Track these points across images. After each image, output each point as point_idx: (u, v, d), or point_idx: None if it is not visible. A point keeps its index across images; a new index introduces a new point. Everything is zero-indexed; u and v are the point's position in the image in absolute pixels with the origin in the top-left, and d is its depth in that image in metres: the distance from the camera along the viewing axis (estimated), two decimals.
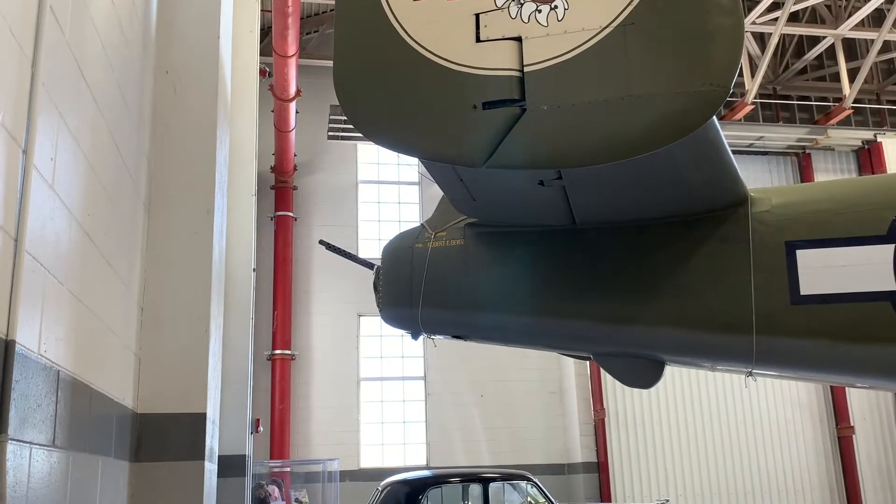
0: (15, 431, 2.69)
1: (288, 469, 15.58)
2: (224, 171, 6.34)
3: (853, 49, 19.94)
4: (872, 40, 17.79)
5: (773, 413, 17.70)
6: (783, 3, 16.31)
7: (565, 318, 4.86)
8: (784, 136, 18.91)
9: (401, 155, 4.06)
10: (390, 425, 17.10)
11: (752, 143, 18.87)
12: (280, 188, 17.05)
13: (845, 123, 19.13)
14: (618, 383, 5.50)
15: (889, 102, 20.44)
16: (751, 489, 17.23)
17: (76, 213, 3.50)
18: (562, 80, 3.35)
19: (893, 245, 4.13)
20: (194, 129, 5.46)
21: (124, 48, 4.49)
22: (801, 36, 19.38)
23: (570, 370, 17.25)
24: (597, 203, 4.44)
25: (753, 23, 16.92)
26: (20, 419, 2.75)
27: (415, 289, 5.16)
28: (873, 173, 18.65)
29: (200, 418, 5.07)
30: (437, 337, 5.51)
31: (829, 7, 18.41)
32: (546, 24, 3.44)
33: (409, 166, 17.78)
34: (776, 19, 16.59)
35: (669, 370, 4.95)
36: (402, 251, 5.32)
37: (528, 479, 10.15)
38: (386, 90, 3.67)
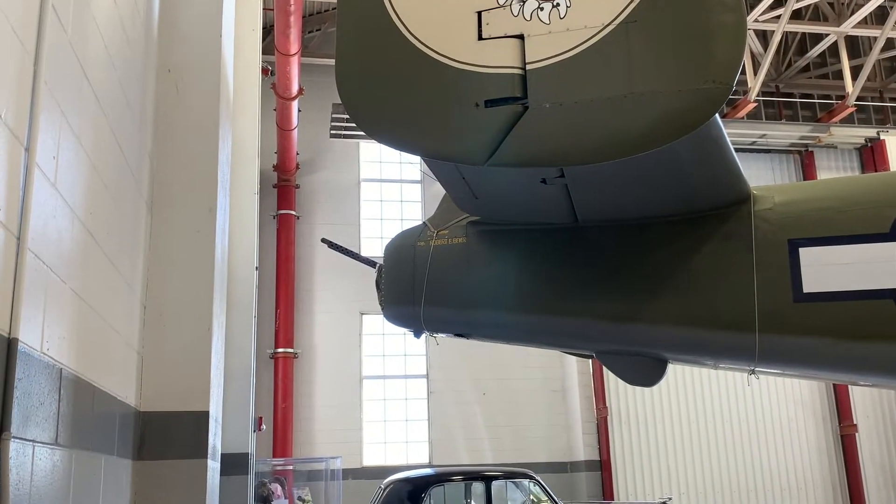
0: (18, 429, 2.69)
1: (291, 467, 15.59)
2: (226, 169, 6.34)
3: (856, 46, 19.91)
4: (875, 38, 17.75)
5: (776, 411, 17.69)
6: (786, 1, 16.28)
7: (567, 316, 4.86)
8: (787, 133, 18.87)
9: (403, 153, 4.06)
10: (393, 423, 17.11)
11: (754, 141, 18.84)
12: (282, 186, 17.06)
13: (848, 121, 19.10)
14: (620, 381, 5.50)
15: (892, 100, 20.41)
16: (753, 487, 17.22)
17: (78, 211, 3.50)
18: (564, 77, 3.35)
19: None
20: (196, 127, 5.46)
21: (126, 47, 4.49)
22: (803, 33, 19.34)
23: (573, 368, 17.24)
24: (599, 201, 4.43)
25: (756, 20, 16.89)
26: (23, 417, 2.75)
27: (417, 287, 5.16)
28: (876, 171, 18.61)
29: (203, 416, 5.07)
30: (440, 335, 5.51)
31: (831, 4, 18.38)
32: (548, 22, 3.44)
33: (411, 164, 17.78)
34: (779, 17, 16.56)
35: (672, 368, 4.95)
36: (404, 249, 5.32)
37: (531, 478, 10.15)
38: (388, 88, 3.66)
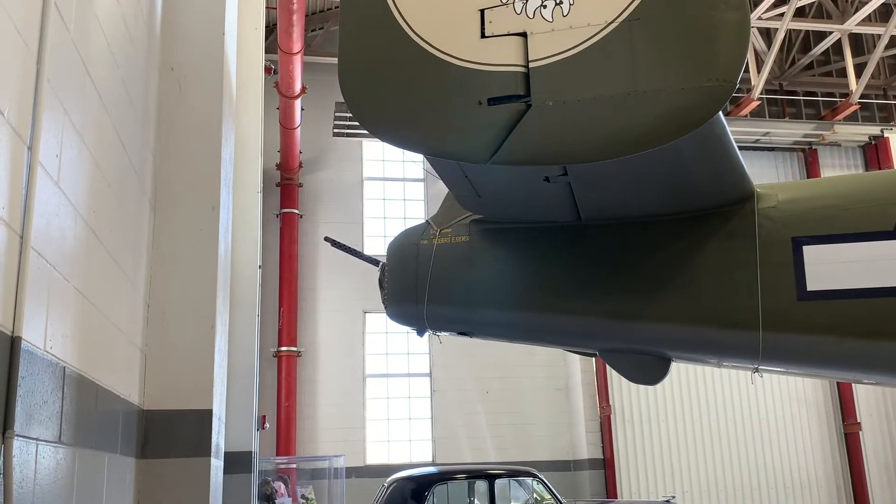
0: (21, 428, 2.70)
1: (294, 465, 15.60)
2: (229, 168, 6.34)
3: (860, 44, 19.87)
4: (879, 35, 17.71)
5: (780, 409, 17.67)
6: None
7: (571, 314, 4.85)
8: (790, 131, 18.83)
9: (406, 151, 4.05)
10: (396, 422, 17.11)
11: (758, 139, 18.80)
12: (285, 185, 17.07)
13: (852, 119, 19.06)
14: (624, 380, 5.49)
15: None
16: (757, 486, 17.21)
17: (81, 210, 3.50)
18: (567, 75, 3.34)
19: None
20: (199, 126, 5.46)
21: (129, 45, 4.49)
22: (807, 31, 19.30)
23: (576, 367, 17.24)
24: (602, 199, 4.42)
25: (759, 18, 16.86)
26: (26, 416, 2.76)
27: (420, 285, 5.15)
28: (880, 169, 18.57)
29: (206, 415, 5.07)
30: (443, 333, 5.51)
31: (835, 2, 18.33)
32: (551, 20, 3.43)
33: (414, 163, 17.78)
34: (782, 14, 16.52)
35: (675, 366, 4.94)
36: (407, 248, 5.31)
37: (534, 476, 10.15)
38: (391, 87, 3.66)
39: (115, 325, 4.17)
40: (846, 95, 18.40)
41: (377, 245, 16.59)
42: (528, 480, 10.14)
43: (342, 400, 16.63)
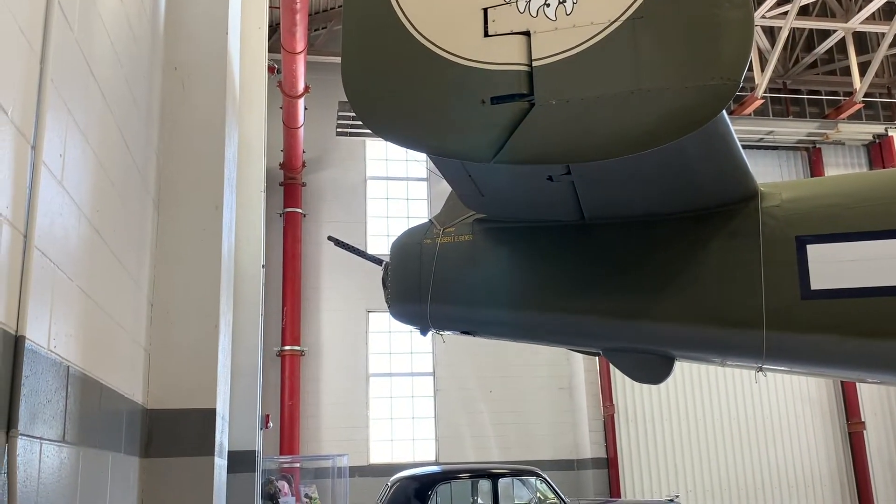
0: (25, 427, 2.70)
1: (298, 465, 15.61)
2: (233, 167, 6.34)
3: (864, 43, 19.83)
4: (883, 34, 17.67)
5: (784, 408, 17.65)
6: None
7: (574, 313, 4.85)
8: (794, 130, 18.81)
9: (409, 151, 4.05)
10: (399, 421, 17.11)
11: (761, 138, 18.77)
12: (289, 184, 17.07)
13: (856, 118, 19.01)
14: (627, 379, 5.49)
15: None
16: (761, 485, 17.19)
17: (85, 209, 3.50)
18: (570, 74, 3.34)
19: None
20: (203, 125, 5.47)
21: (132, 44, 4.49)
22: (811, 30, 19.27)
23: (580, 366, 17.23)
24: (606, 198, 4.42)
25: (763, 16, 16.83)
26: (30, 415, 2.76)
27: (423, 285, 5.15)
28: (884, 167, 18.53)
29: (210, 414, 5.08)
30: (446, 333, 5.51)
31: (839, 0, 18.30)
32: (554, 19, 3.43)
33: (417, 162, 17.78)
34: (786, 13, 16.49)
35: (679, 365, 4.94)
36: (410, 247, 5.31)
37: (538, 475, 10.15)
38: (394, 86, 3.66)
39: (118, 324, 4.18)
40: (850, 94, 18.36)
41: (380, 244, 16.59)
42: (532, 480, 10.14)
43: (345, 399, 16.63)
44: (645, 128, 3.25)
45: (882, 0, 16.76)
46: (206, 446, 5.04)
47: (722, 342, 4.54)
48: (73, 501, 3.31)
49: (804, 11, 17.77)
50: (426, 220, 5.51)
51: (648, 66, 3.23)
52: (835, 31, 18.34)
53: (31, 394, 2.76)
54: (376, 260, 6.05)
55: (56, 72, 3.05)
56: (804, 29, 19.13)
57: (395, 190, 18.44)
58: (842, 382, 17.57)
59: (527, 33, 3.46)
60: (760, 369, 4.61)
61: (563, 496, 10.07)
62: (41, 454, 2.89)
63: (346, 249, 6.39)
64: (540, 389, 17.38)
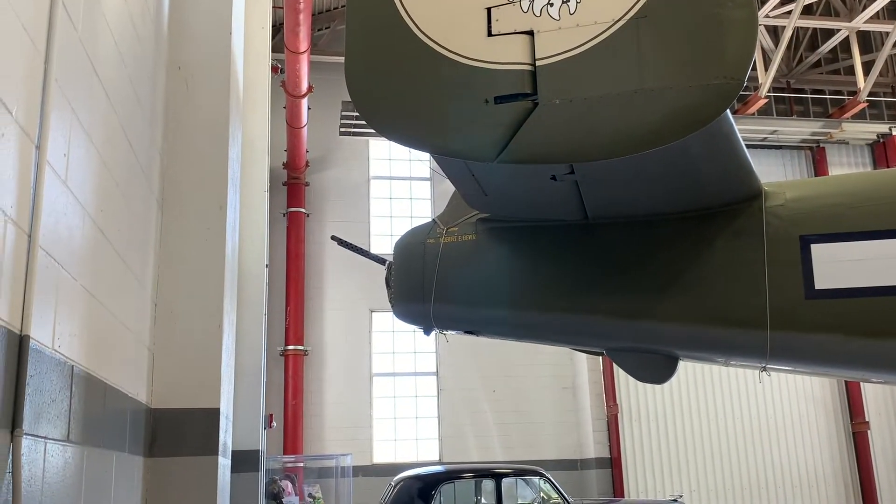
0: (30, 426, 2.71)
1: (301, 464, 15.62)
2: (236, 167, 6.35)
3: (868, 42, 19.78)
4: (888, 33, 17.63)
5: (787, 408, 17.62)
6: None
7: (577, 313, 4.85)
8: (798, 129, 18.78)
9: (412, 150, 4.05)
10: (403, 421, 17.12)
11: (765, 137, 18.74)
12: (292, 184, 17.08)
13: (860, 117, 18.98)
14: (631, 379, 5.49)
15: None
16: (764, 484, 17.16)
17: (89, 208, 3.51)
18: (574, 73, 3.33)
19: None
20: (206, 125, 5.47)
21: (136, 44, 4.50)
22: (815, 29, 19.24)
23: (583, 366, 17.22)
24: (609, 197, 4.42)
25: (767, 16, 16.81)
26: (35, 414, 2.77)
27: (427, 284, 5.15)
28: (888, 167, 18.49)
29: (214, 413, 5.08)
30: (450, 332, 5.51)
31: (843, 0, 18.27)
32: (558, 18, 3.42)
33: (420, 162, 17.77)
34: (790, 12, 16.46)
35: (683, 365, 4.93)
36: (413, 247, 5.31)
37: (541, 475, 10.14)
38: (397, 85, 3.66)
39: (122, 323, 4.18)
40: (854, 93, 18.33)
41: (384, 244, 16.59)
42: (536, 479, 10.13)
43: (349, 399, 16.64)
44: (649, 127, 3.25)
45: None
46: (209, 446, 5.04)
47: (726, 342, 4.53)
48: (77, 501, 3.31)
49: (808, 10, 17.74)
50: (429, 219, 5.51)
51: (652, 65, 3.22)
52: (839, 30, 18.31)
53: (35, 393, 2.76)
54: (380, 259, 6.05)
55: (60, 71, 3.06)
56: (808, 28, 19.09)
57: (398, 189, 18.44)
58: (846, 382, 17.54)
59: (530, 33, 3.45)
60: (764, 369, 4.61)
61: (566, 496, 10.06)
62: (45, 454, 2.89)
63: (349, 249, 6.39)
64: (543, 389, 17.37)
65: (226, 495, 5.57)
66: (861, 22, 17.69)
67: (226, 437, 5.54)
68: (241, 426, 8.19)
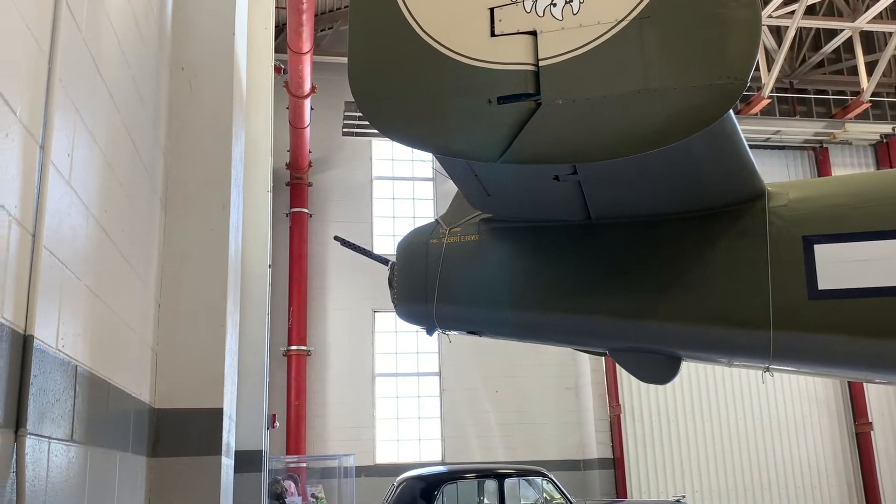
0: (34, 426, 2.71)
1: (304, 464, 15.63)
2: (239, 167, 6.35)
3: (871, 42, 19.76)
4: (891, 33, 17.61)
5: (791, 409, 17.60)
6: None
7: (580, 313, 4.85)
8: (801, 130, 18.76)
9: (415, 151, 4.05)
10: (405, 421, 17.12)
11: (768, 138, 18.72)
12: (295, 184, 17.10)
13: (863, 117, 18.96)
14: (633, 379, 5.49)
15: None
16: (767, 485, 17.15)
17: (93, 209, 3.51)
18: (577, 74, 3.33)
19: None
20: (210, 125, 5.47)
21: (140, 44, 4.50)
22: (818, 29, 19.22)
23: (586, 366, 17.21)
24: (612, 198, 4.42)
25: (770, 16, 16.79)
26: (39, 414, 2.77)
27: (429, 284, 5.16)
28: (891, 167, 18.47)
29: (217, 413, 5.09)
30: (452, 333, 5.51)
31: (846, 0, 18.24)
32: (561, 18, 3.43)
33: (423, 162, 17.78)
34: (793, 12, 16.45)
35: (686, 366, 4.93)
36: (416, 247, 5.32)
37: (544, 475, 10.14)
38: (400, 86, 3.66)
39: (126, 323, 4.19)
40: (857, 93, 18.31)
41: (386, 244, 16.60)
42: (538, 480, 10.13)
43: (352, 399, 16.65)
44: (652, 127, 3.25)
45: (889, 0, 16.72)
46: (213, 446, 5.05)
47: (729, 342, 4.53)
48: (81, 501, 3.32)
49: (811, 11, 17.73)
50: (432, 219, 5.52)
51: (655, 65, 3.22)
52: (842, 30, 18.28)
53: (39, 393, 2.76)
54: (382, 260, 6.06)
55: (64, 71, 3.06)
56: (811, 28, 19.08)
57: (401, 190, 18.44)
58: (849, 383, 17.52)
59: (533, 33, 3.46)
60: (767, 369, 4.60)
61: (569, 496, 10.06)
62: (49, 453, 2.90)
63: (352, 249, 6.40)
64: (546, 389, 17.37)
65: (229, 495, 5.57)
66: (864, 22, 17.66)
67: (229, 438, 5.54)
68: (245, 426, 8.20)
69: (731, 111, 3.41)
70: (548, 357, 17.11)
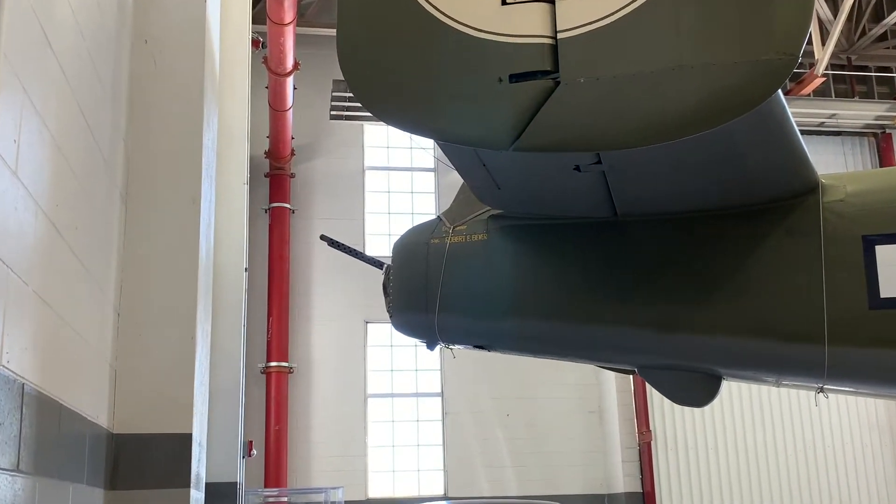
0: None
1: (285, 498, 15.65)
2: (212, 155, 6.37)
3: None
4: None
5: (847, 436, 17.57)
6: None
7: (605, 324, 4.85)
8: (860, 113, 18.75)
9: (414, 136, 4.05)
10: (402, 449, 17.13)
11: (822, 122, 18.72)
12: (275, 176, 17.12)
13: None
14: (666, 401, 5.49)
15: None
16: None
17: (43, 203, 3.52)
18: (601, 48, 3.33)
19: None
20: (178, 107, 5.48)
21: (97, 13, 4.51)
22: None
23: (611, 386, 17.21)
24: (641, 191, 4.42)
25: None
26: None
27: (431, 291, 5.16)
28: None
29: (185, 439, 5.09)
30: (457, 347, 5.52)
31: None
32: None
33: (423, 150, 17.79)
34: None
35: (726, 386, 4.93)
36: (415, 248, 5.33)
37: None
38: (398, 62, 3.66)
39: (80, 335, 4.19)
40: None
41: (381, 244, 16.62)
42: None
43: (340, 423, 16.66)
44: (687, 110, 3.25)
45: None
46: (180, 477, 5.05)
47: (776, 358, 4.53)
48: None
49: None
50: (434, 216, 5.53)
51: (692, 38, 3.22)
52: None
53: None
54: (376, 263, 6.06)
55: (10, 46, 3.07)
56: None
57: (397, 182, 18.46)
58: None
59: (551, 0, 3.46)
60: (821, 390, 4.60)
61: None
62: None
63: (341, 250, 6.41)
64: (565, 413, 17.37)
65: None
66: None
67: (199, 467, 5.55)
68: (217, 454, 8.20)
69: (779, 91, 3.41)
70: (567, 375, 17.11)
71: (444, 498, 16.40)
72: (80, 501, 4.17)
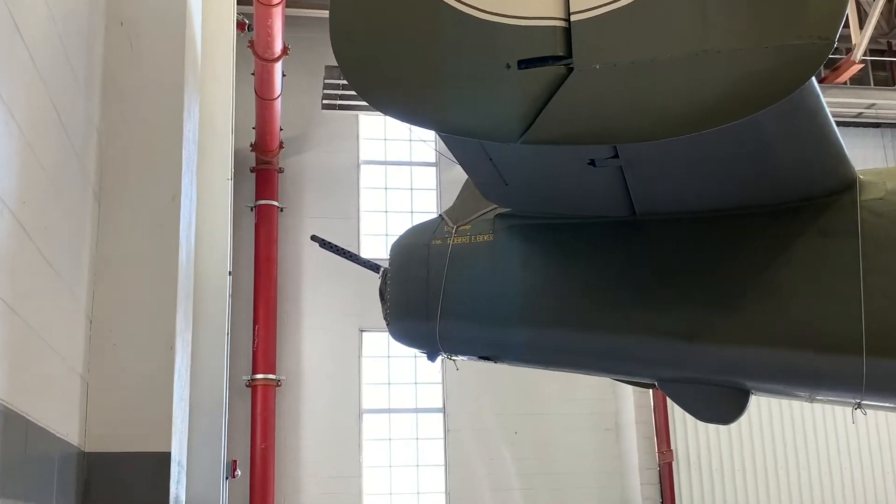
0: None
1: None
2: (193, 148, 6.37)
3: None
4: None
5: (886, 456, 17.56)
6: None
7: (622, 333, 4.85)
8: None
9: (414, 128, 4.06)
10: (400, 469, 17.13)
11: (860, 113, 18.71)
12: (262, 171, 17.12)
13: None
14: (689, 418, 5.48)
15: None
16: None
17: (9, 200, 3.53)
18: (619, 31, 3.34)
19: None
20: (156, 95, 5.49)
21: None
22: None
23: (629, 401, 17.21)
24: (662, 188, 4.43)
25: None
26: None
27: (432, 297, 5.17)
28: None
29: (163, 459, 5.10)
30: (460, 358, 5.52)
31: None
32: None
33: (424, 143, 17.80)
34: None
35: (755, 401, 4.93)
36: (415, 249, 5.33)
37: None
38: (396, 46, 3.67)
39: (49, 345, 4.20)
40: None
41: (377, 246, 16.62)
42: None
43: (332, 441, 16.65)
44: (712, 99, 3.25)
45: None
46: (157, 499, 5.06)
47: (809, 371, 4.53)
48: None
49: None
50: (435, 215, 5.53)
51: (718, 21, 3.22)
52: None
53: None
54: (372, 266, 6.07)
55: None
56: None
57: (395, 177, 18.46)
58: None
59: None
60: (858, 405, 4.60)
61: None
62: None
63: (333, 252, 6.41)
64: (578, 431, 17.36)
65: None
66: None
67: (178, 489, 5.55)
68: (198, 475, 8.21)
69: (813, 79, 3.41)
70: (580, 390, 17.11)
71: None
72: None
